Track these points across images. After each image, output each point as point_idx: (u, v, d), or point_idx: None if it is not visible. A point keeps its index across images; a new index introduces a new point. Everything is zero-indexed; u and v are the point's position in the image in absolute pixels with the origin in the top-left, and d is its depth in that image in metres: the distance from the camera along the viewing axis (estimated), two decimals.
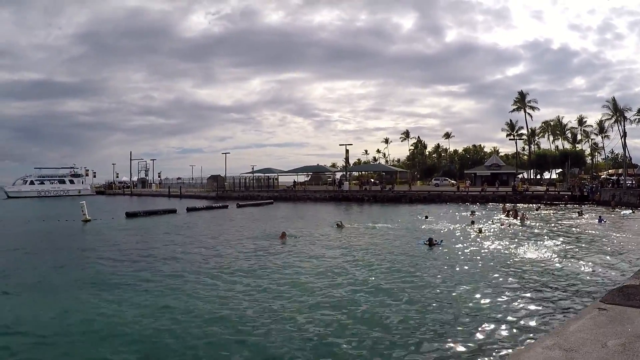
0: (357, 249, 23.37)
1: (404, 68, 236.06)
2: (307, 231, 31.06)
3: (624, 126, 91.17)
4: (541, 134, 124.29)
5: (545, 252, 21.85)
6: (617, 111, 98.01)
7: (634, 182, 61.14)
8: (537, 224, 34.17)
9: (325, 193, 73.26)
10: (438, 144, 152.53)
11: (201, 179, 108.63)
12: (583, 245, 24.03)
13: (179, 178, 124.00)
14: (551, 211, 46.31)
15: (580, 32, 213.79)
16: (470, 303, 13.23)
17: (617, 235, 27.65)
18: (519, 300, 13.43)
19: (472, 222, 33.23)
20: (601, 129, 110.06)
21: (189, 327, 11.51)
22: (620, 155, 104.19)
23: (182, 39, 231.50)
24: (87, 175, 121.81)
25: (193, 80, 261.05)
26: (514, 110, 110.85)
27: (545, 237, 27.17)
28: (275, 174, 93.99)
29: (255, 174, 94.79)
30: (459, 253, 21.83)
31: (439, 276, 16.90)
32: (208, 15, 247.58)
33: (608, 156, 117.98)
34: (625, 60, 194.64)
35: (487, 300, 13.48)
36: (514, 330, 10.78)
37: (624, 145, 75.02)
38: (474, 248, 23.16)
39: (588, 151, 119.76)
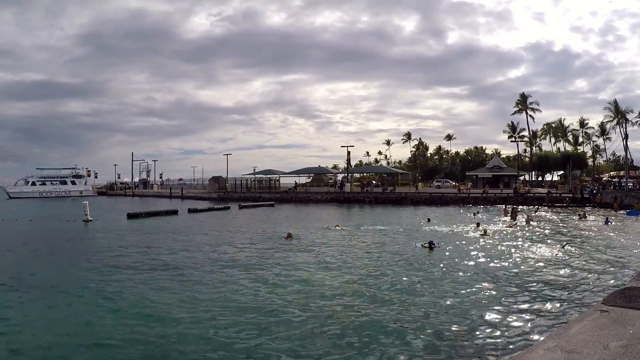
0: (358, 251, 23.39)
1: (405, 70, 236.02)
2: (310, 232, 31.06)
3: (626, 128, 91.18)
4: (543, 136, 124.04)
5: (549, 253, 21.90)
6: (619, 113, 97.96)
7: (635, 184, 61.14)
8: (543, 226, 34.21)
9: (326, 195, 73.19)
10: (439, 146, 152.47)
11: (202, 180, 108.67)
12: (587, 246, 24.03)
13: (180, 179, 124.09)
14: (551, 214, 46.28)
15: (582, 34, 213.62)
16: (471, 304, 13.24)
17: (621, 237, 27.66)
18: (521, 302, 13.45)
19: (478, 224, 33.08)
20: (603, 131, 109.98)
21: (192, 327, 11.52)
22: (621, 158, 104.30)
23: (184, 40, 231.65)
24: (88, 176, 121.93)
25: (195, 81, 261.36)
26: (515, 112, 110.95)
27: (550, 238, 27.24)
28: (277, 176, 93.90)
29: (256, 176, 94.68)
30: (461, 254, 21.84)
31: (439, 278, 16.91)
32: (210, 16, 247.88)
33: (610, 158, 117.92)
34: (627, 62, 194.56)
35: (489, 302, 13.48)
36: (516, 332, 10.78)
37: (626, 147, 74.99)
38: (477, 249, 23.15)
39: (590, 153, 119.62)
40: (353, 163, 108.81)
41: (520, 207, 49.58)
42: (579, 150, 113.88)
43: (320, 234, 30.29)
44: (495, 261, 20.07)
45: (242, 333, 11.11)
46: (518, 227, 32.99)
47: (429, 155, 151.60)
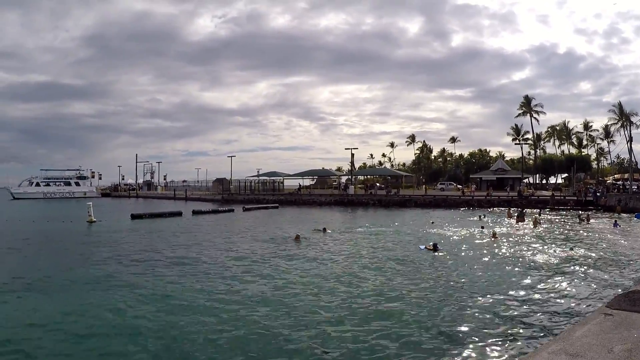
0: (363, 253, 23.34)
1: (409, 72, 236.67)
2: (317, 235, 31.02)
3: (630, 131, 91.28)
4: (547, 138, 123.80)
5: (555, 256, 21.87)
6: (623, 116, 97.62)
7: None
8: (550, 229, 34.12)
9: (330, 197, 73.08)
10: (444, 149, 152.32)
11: (207, 182, 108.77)
12: (593, 249, 23.96)
13: (184, 181, 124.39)
14: (556, 217, 46.20)
15: (587, 36, 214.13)
16: (475, 306, 13.21)
17: (628, 240, 27.62)
18: (525, 304, 13.42)
19: (482, 227, 33.07)
20: (607, 134, 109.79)
21: (197, 329, 11.52)
22: (626, 160, 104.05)
23: (189, 42, 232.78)
24: (92, 177, 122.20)
25: (199, 83, 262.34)
26: (519, 114, 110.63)
27: (558, 241, 27.18)
28: (281, 178, 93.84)
29: (260, 178, 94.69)
30: (465, 257, 21.84)
31: (443, 280, 16.88)
32: (214, 18, 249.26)
33: (614, 161, 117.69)
34: (631, 64, 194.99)
35: (493, 304, 13.45)
36: (520, 335, 10.76)
37: (630, 150, 75.16)
38: (482, 252, 23.16)
39: (594, 156, 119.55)
40: (357, 165, 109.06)
41: (524, 210, 49.44)
42: (583, 153, 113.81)
43: (324, 237, 30.20)
44: (499, 264, 20.06)
45: (249, 336, 11.12)
46: (525, 230, 32.92)
47: (433, 157, 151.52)
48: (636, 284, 8.17)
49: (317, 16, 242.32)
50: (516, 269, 19.02)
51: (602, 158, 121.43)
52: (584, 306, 13.08)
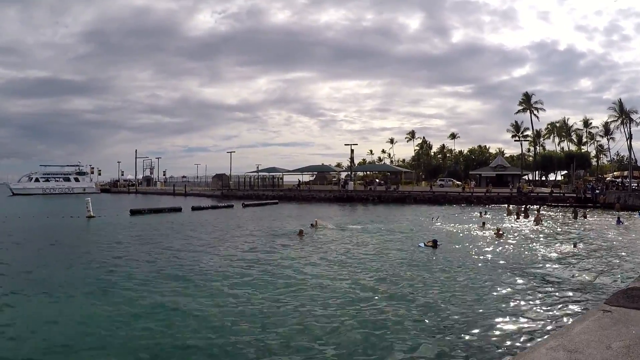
0: (361, 250, 23.37)
1: (410, 68, 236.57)
2: (319, 231, 30.99)
3: (630, 128, 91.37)
4: (547, 135, 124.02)
5: (555, 252, 21.93)
6: (623, 113, 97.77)
7: (639, 184, 60.98)
8: (551, 225, 34.17)
9: (330, 193, 73.11)
10: (443, 145, 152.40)
11: (206, 178, 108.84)
12: (594, 246, 24.05)
13: (184, 176, 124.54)
14: (555, 213, 46.21)
15: (587, 33, 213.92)
16: (474, 303, 13.22)
17: (630, 237, 27.66)
18: (524, 301, 13.43)
19: (483, 224, 33.14)
20: (607, 131, 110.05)
21: (194, 325, 11.52)
22: (625, 158, 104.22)
23: (188, 37, 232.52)
24: (92, 173, 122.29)
25: (199, 79, 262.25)
26: (519, 111, 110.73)
27: (560, 237, 27.25)
28: (280, 174, 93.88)
29: (260, 173, 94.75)
30: (465, 253, 21.85)
31: (442, 277, 16.86)
32: (214, 14, 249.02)
33: (613, 158, 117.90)
34: (632, 62, 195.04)
35: (492, 301, 13.48)
36: (519, 331, 10.77)
37: (630, 147, 75.28)
38: (482, 248, 23.24)
39: (593, 153, 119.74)
40: (357, 161, 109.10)
41: (526, 207, 49.46)
42: (582, 150, 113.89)
43: (329, 232, 30.18)
44: (499, 260, 20.07)
45: (248, 331, 11.12)
46: (527, 227, 32.96)
47: (432, 154, 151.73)
48: (635, 281, 8.16)
49: (318, 12, 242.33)
50: (516, 264, 19.04)
51: (601, 155, 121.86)
52: (583, 302, 13.09)
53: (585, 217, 39.60)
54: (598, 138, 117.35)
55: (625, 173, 72.25)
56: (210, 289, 15.20)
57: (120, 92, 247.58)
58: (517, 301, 13.47)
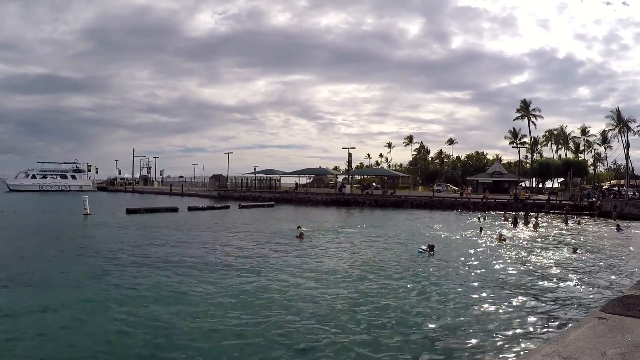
0: (358, 254, 23.45)
1: (409, 73, 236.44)
2: (316, 233, 31.07)
3: (627, 137, 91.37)
4: (544, 142, 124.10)
5: (551, 259, 22.04)
6: (621, 122, 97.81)
7: (636, 193, 61.03)
8: (551, 232, 34.16)
9: (326, 196, 73.01)
10: (441, 150, 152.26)
11: (203, 178, 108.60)
12: (592, 253, 24.15)
13: (181, 176, 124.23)
14: (552, 220, 46.22)
15: (586, 42, 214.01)
16: (470, 309, 13.25)
17: (626, 244, 27.78)
18: (520, 307, 13.47)
19: (481, 229, 33.21)
20: (604, 139, 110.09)
21: (188, 325, 11.53)
22: (622, 166, 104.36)
23: (188, 37, 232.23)
24: (89, 170, 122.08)
25: (198, 79, 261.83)
26: (517, 118, 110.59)
27: (557, 244, 27.35)
28: (277, 176, 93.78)
29: (257, 175, 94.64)
30: (462, 258, 21.91)
31: (438, 282, 16.91)
32: (215, 14, 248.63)
33: (610, 167, 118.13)
34: (630, 71, 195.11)
35: (488, 307, 13.50)
36: (514, 338, 10.79)
37: (627, 156, 75.22)
38: (479, 253, 23.37)
39: (591, 161, 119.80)
40: (354, 165, 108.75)
41: (518, 213, 49.47)
42: (580, 158, 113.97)
43: (328, 235, 30.18)
44: (495, 266, 20.17)
45: (239, 332, 11.13)
46: (525, 233, 33.01)
47: (430, 159, 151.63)
48: (630, 288, 8.17)
49: (318, 15, 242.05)
50: (514, 270, 19.12)
51: (598, 163, 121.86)
52: (579, 310, 13.13)
53: (579, 223, 39.72)
54: (595, 146, 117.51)
55: (622, 182, 72.30)
56: (201, 290, 15.23)
57: (119, 91, 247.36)
58: (513, 307, 13.51)
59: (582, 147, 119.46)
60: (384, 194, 71.49)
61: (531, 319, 12.36)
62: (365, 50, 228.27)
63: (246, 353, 9.91)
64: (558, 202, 60.23)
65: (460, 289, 15.85)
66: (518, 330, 11.33)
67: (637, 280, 12.74)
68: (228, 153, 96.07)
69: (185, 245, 25.18)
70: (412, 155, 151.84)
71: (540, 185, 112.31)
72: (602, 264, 21.10)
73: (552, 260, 21.60)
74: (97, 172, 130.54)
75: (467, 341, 10.60)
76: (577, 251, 23.60)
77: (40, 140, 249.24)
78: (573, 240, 29.29)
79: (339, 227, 35.45)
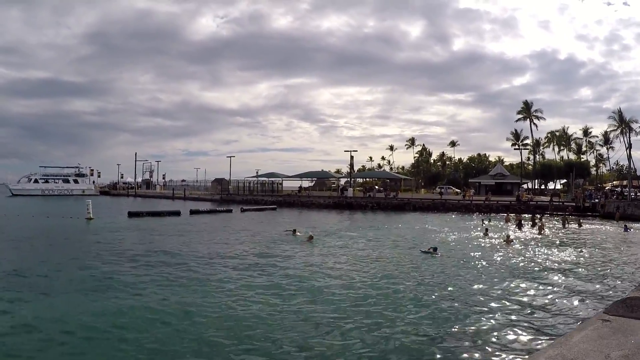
0: (361, 256, 23.39)
1: (411, 75, 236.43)
2: (325, 237, 30.86)
3: (630, 138, 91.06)
4: (546, 144, 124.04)
5: (556, 261, 22.01)
6: (623, 122, 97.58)
7: (638, 193, 60.90)
8: (555, 234, 34.10)
9: (329, 199, 72.90)
10: (443, 152, 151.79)
11: (205, 182, 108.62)
12: (596, 254, 24.13)
13: (183, 180, 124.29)
14: (555, 222, 46.15)
15: (588, 42, 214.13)
16: (473, 311, 13.23)
17: (629, 246, 27.71)
18: (523, 309, 13.46)
19: (486, 230, 33.15)
20: (606, 140, 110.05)
21: (191, 327, 11.55)
22: (625, 167, 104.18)
23: (190, 41, 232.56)
24: (91, 175, 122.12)
25: (200, 82, 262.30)
26: (519, 119, 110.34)
27: (560, 246, 27.25)
28: (280, 179, 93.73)
29: (259, 178, 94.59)
30: (465, 260, 21.93)
31: (441, 284, 16.90)
32: (216, 18, 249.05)
33: (613, 167, 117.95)
34: (632, 71, 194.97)
35: (491, 310, 13.48)
36: (518, 340, 10.78)
37: (629, 157, 75.15)
38: (483, 255, 23.34)
39: (593, 162, 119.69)
40: (356, 168, 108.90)
41: (523, 215, 49.39)
42: (582, 159, 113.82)
43: (330, 240, 30.13)
44: (501, 267, 20.20)
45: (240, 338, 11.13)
46: (530, 235, 32.95)
47: (432, 161, 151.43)
48: (634, 290, 8.17)
49: (319, 18, 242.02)
50: (518, 272, 19.13)
51: (601, 164, 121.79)
52: (582, 311, 13.10)
53: (579, 225, 39.66)
54: (597, 147, 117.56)
55: (625, 182, 72.17)
56: (204, 291, 15.23)
57: (121, 95, 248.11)
58: (516, 309, 13.49)
59: (584, 148, 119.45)
60: (387, 196, 71.42)
61: (535, 320, 12.34)
62: (367, 53, 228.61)
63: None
64: (561, 203, 60.12)
65: (462, 291, 15.84)
66: (522, 332, 11.30)
67: None
68: (230, 157, 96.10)
69: (187, 248, 25.18)
70: (415, 157, 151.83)
71: (542, 187, 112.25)
72: (605, 265, 21.07)
73: (556, 262, 21.58)
74: (99, 176, 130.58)
75: (471, 342, 10.60)
76: (581, 252, 23.56)
77: (43, 144, 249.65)
78: (578, 242, 29.27)
79: (340, 230, 35.44)
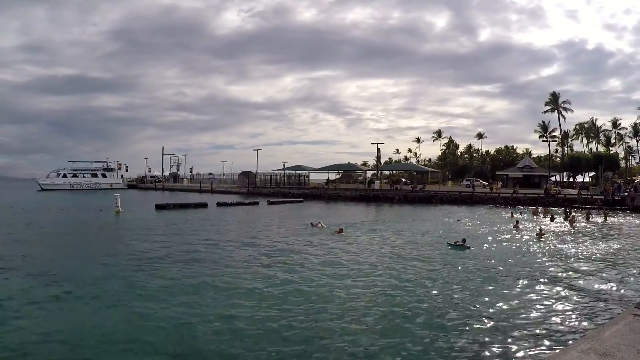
0: (388, 249, 23.39)
1: (436, 67, 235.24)
2: (352, 230, 30.86)
3: None
4: (575, 136, 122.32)
5: (588, 254, 21.85)
6: None
7: None
8: (587, 227, 33.72)
9: (355, 192, 72.84)
10: (470, 145, 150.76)
11: (232, 175, 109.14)
12: (623, 249, 23.81)
13: (210, 173, 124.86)
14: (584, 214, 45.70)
15: (616, 32, 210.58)
16: (507, 305, 13.22)
17: None
18: (556, 303, 13.44)
19: (517, 222, 32.98)
20: (636, 132, 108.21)
21: (224, 323, 11.75)
22: None
23: (215, 36, 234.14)
24: (119, 169, 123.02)
25: (226, 76, 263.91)
26: (547, 111, 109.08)
27: (593, 239, 26.99)
28: (306, 172, 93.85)
29: (286, 171, 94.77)
30: (495, 253, 21.90)
31: (473, 277, 16.85)
32: (241, 12, 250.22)
33: None
34: None
35: (524, 302, 13.48)
36: (551, 334, 10.77)
37: None
38: (516, 248, 23.36)
39: (622, 154, 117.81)
40: (383, 160, 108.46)
41: (550, 208, 48.93)
42: (611, 152, 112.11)
43: (358, 233, 30.04)
44: (533, 261, 20.09)
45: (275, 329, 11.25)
46: (561, 228, 32.63)
47: (459, 153, 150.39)
48: None
49: (344, 10, 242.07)
50: (550, 265, 19.08)
51: (630, 157, 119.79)
52: (614, 306, 13.01)
53: (605, 219, 39.20)
54: (627, 139, 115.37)
55: None
56: (236, 288, 15.39)
57: (147, 90, 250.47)
58: (549, 303, 13.46)
59: (613, 140, 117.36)
60: (413, 189, 71.24)
61: (567, 314, 12.34)
62: (392, 45, 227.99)
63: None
64: (589, 196, 59.37)
65: (490, 284, 15.85)
66: (553, 326, 11.30)
67: None
68: (257, 150, 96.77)
69: (216, 239, 25.64)
70: (441, 150, 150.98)
71: (570, 180, 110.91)
72: (637, 259, 20.83)
73: (588, 255, 21.38)
74: (127, 170, 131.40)
75: (503, 335, 10.62)
76: (613, 246, 23.30)
77: (71, 139, 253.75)
78: (609, 236, 28.95)
79: (369, 223, 35.46)
